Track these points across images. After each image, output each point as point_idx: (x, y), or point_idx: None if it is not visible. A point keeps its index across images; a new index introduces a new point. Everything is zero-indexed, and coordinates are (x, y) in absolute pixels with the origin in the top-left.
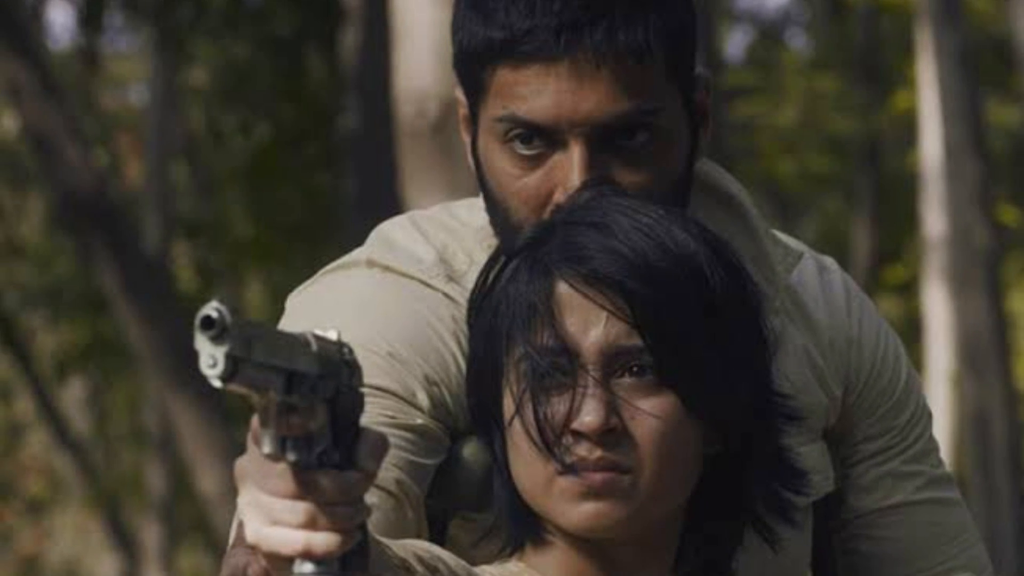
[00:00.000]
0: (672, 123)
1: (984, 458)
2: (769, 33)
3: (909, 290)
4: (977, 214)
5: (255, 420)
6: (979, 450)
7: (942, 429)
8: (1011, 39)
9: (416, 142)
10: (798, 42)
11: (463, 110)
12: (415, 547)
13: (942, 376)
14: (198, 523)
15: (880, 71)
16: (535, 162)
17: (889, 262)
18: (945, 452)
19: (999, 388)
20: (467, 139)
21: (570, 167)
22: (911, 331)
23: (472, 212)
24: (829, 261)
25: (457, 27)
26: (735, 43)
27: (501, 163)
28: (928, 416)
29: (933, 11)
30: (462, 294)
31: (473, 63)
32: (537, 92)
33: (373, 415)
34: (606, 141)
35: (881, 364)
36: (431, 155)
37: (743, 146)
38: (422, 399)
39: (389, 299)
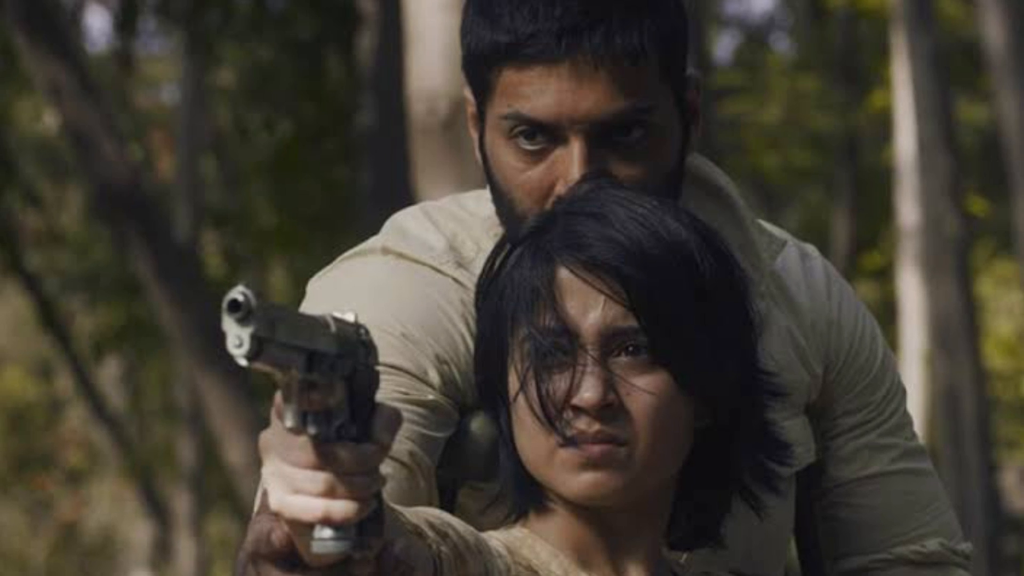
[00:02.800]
0: (665, 120)
1: (954, 431)
2: (755, 37)
3: (885, 275)
4: (948, 205)
5: (278, 396)
6: (950, 424)
7: (915, 405)
8: (979, 42)
9: (427, 138)
10: (782, 45)
11: (471, 108)
12: (426, 514)
13: (915, 355)
14: (225, 492)
15: (858, 72)
16: (538, 157)
17: (866, 249)
18: (918, 426)
19: (968, 366)
20: (475, 135)
21: (570, 161)
22: (887, 313)
23: (479, 203)
24: (811, 248)
25: (465, 31)
26: (723, 46)
27: (506, 157)
28: (902, 392)
29: (907, 16)
30: (470, 279)
31: (480, 65)
32: (540, 92)
33: (388, 391)
34: (604, 137)
35: (859, 344)
36: (441, 150)
37: (731, 142)
38: (433, 376)
39: (402, 284)
